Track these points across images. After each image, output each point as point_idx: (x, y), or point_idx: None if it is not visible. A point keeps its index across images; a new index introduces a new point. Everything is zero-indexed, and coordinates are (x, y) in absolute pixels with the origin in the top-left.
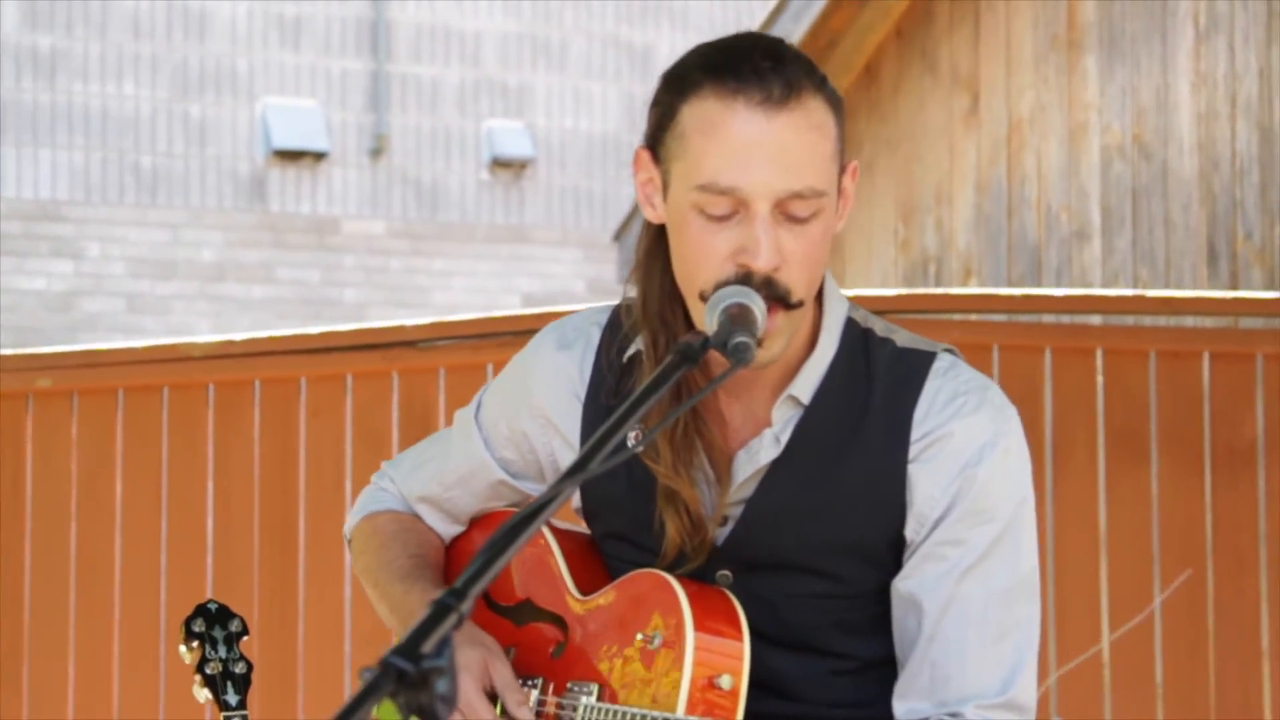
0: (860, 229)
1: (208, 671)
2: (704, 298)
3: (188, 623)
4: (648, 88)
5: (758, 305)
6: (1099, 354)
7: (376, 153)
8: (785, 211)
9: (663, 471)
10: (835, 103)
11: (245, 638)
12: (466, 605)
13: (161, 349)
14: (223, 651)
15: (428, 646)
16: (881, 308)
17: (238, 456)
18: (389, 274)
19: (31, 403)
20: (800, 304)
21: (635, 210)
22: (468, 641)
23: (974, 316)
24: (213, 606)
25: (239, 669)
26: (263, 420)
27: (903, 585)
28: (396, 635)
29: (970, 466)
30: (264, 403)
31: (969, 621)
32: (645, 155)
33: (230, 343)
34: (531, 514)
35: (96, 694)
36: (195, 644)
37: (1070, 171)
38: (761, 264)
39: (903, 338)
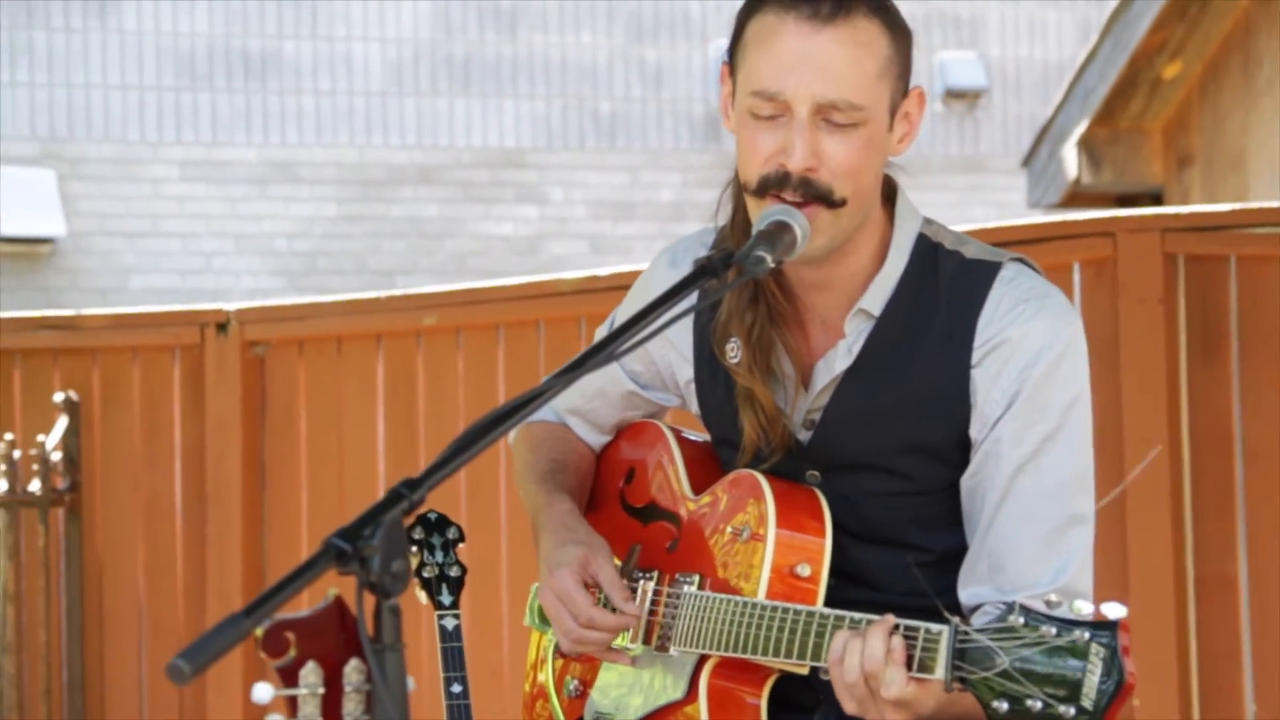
0: (1263, 144)
1: (425, 575)
2: (749, 192)
3: (409, 530)
4: (1103, 11)
5: (797, 220)
6: None
7: None
8: (825, 118)
9: (739, 372)
10: (894, 28)
11: (461, 544)
12: (418, 494)
13: (534, 285)
14: (439, 556)
15: (369, 529)
16: None
17: None
18: None
19: (421, 340)
20: (843, 202)
21: (1043, 135)
22: (571, 540)
23: None
24: (432, 516)
25: (454, 573)
26: None
27: (967, 481)
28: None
29: (1027, 369)
30: None
31: (1023, 515)
32: (725, 69)
33: (595, 278)
34: (503, 414)
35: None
36: (414, 549)
37: None
38: (795, 164)
39: (973, 249)
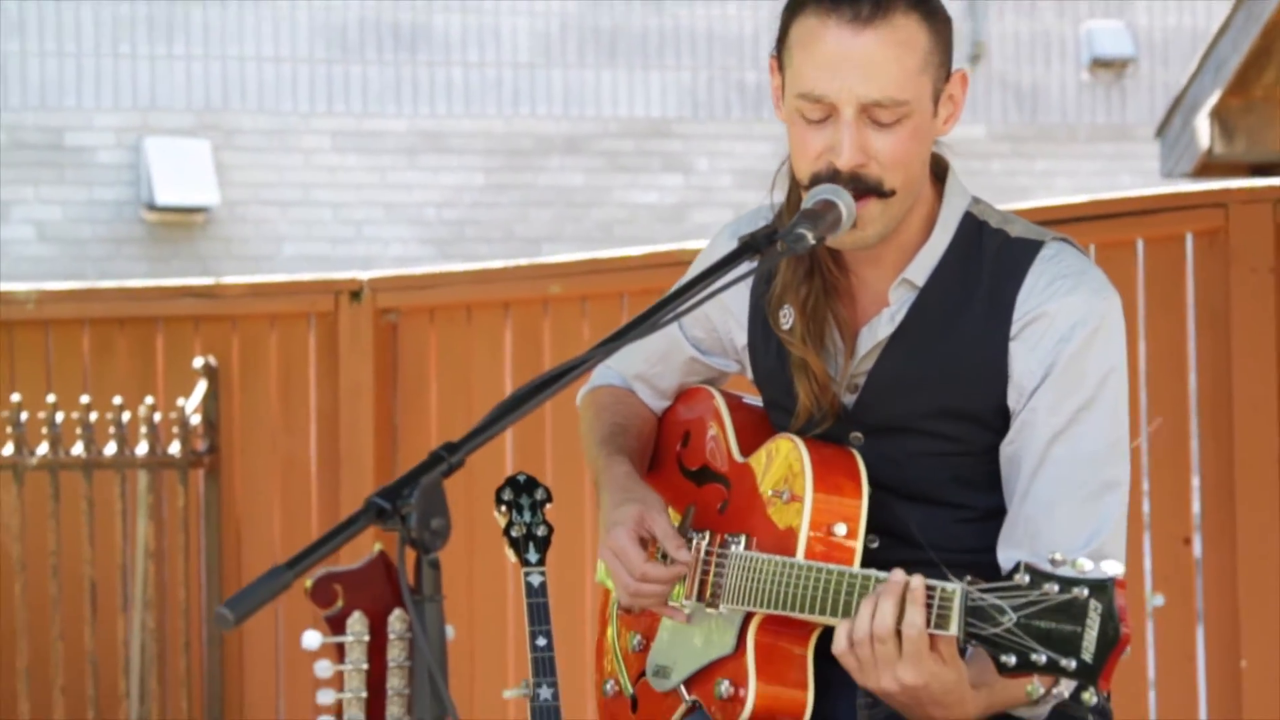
0: None
1: (513, 534)
2: (802, 187)
3: (498, 492)
4: None
5: (843, 199)
6: None
7: (975, 59)
8: (871, 116)
9: (794, 343)
10: (933, 19)
11: (549, 505)
12: (457, 457)
13: (658, 255)
14: (527, 516)
15: (408, 489)
16: None
17: None
18: (990, 177)
19: (548, 308)
20: (893, 192)
21: (1176, 105)
22: (629, 499)
23: None
24: (521, 478)
25: (540, 532)
26: None
27: (1005, 448)
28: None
29: (1063, 342)
30: None
31: (1057, 481)
32: (773, 63)
33: None
34: (546, 381)
35: None
36: (504, 509)
37: None
38: (843, 162)
39: (1018, 228)
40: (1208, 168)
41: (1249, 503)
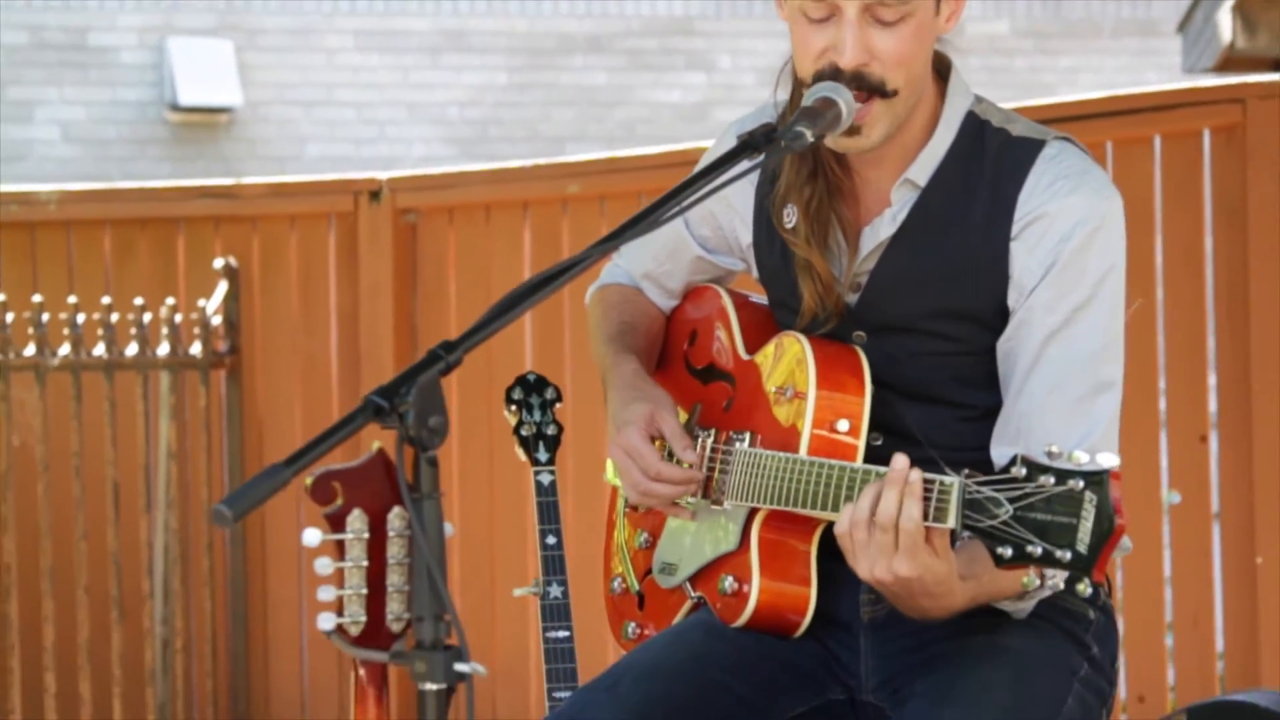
0: None
1: (523, 433)
2: (805, 86)
3: (508, 391)
4: None
5: (843, 97)
6: None
7: None
8: (874, 15)
9: (798, 243)
10: None
11: (559, 404)
12: (454, 356)
13: (674, 154)
14: (537, 415)
15: (405, 388)
16: None
17: None
18: (1014, 73)
19: (567, 208)
20: (896, 93)
21: (1197, 2)
22: (638, 398)
23: None
24: (531, 377)
25: (550, 431)
26: None
27: (1002, 345)
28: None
29: (1063, 241)
30: None
31: (1051, 379)
32: None
33: None
34: (541, 281)
35: None
36: (513, 408)
37: None
38: (846, 61)
39: (1020, 127)
40: (1230, 62)
41: (1265, 400)
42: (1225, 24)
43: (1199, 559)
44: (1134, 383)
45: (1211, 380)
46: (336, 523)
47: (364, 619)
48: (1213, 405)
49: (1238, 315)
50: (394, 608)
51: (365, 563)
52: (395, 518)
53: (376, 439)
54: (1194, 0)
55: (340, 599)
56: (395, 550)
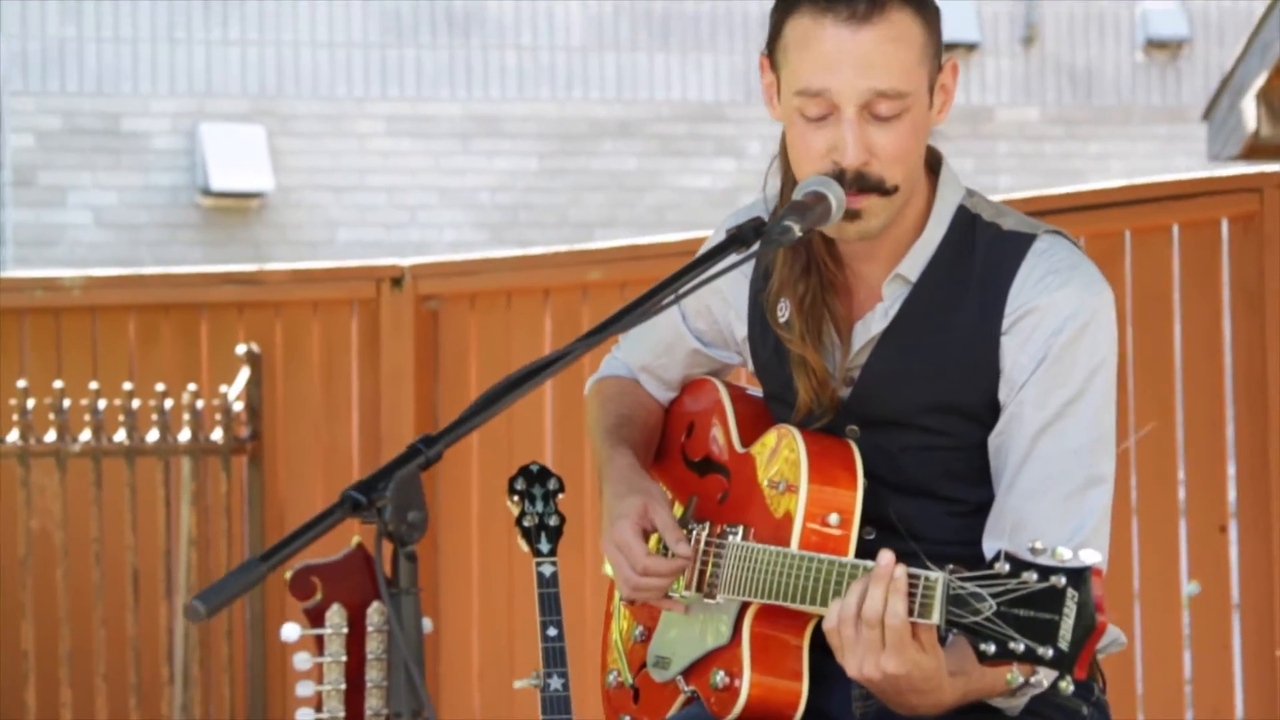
0: None
1: (525, 524)
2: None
3: (511, 481)
4: None
5: (833, 192)
6: None
7: (1029, 40)
8: (872, 112)
9: (792, 339)
10: (924, 10)
11: (561, 495)
12: (434, 451)
13: (696, 242)
14: (539, 506)
15: (383, 483)
16: None
17: None
18: (1044, 159)
19: (587, 294)
20: (895, 189)
21: (1223, 87)
22: (631, 490)
23: None
24: (535, 468)
25: (552, 522)
26: None
27: (993, 440)
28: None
29: (1053, 335)
30: None
31: (1042, 474)
32: (765, 62)
33: None
34: (524, 376)
35: None
36: (516, 499)
37: None
38: (849, 161)
39: (1011, 221)
40: (1255, 150)
41: None
42: (1250, 112)
43: (1219, 652)
44: (1152, 472)
45: (1231, 470)
46: (315, 617)
47: (342, 714)
48: (1232, 495)
49: (1257, 404)
50: (373, 703)
51: (344, 658)
52: (374, 613)
53: (356, 533)
54: (1219, 88)
55: (319, 694)
56: (374, 645)
